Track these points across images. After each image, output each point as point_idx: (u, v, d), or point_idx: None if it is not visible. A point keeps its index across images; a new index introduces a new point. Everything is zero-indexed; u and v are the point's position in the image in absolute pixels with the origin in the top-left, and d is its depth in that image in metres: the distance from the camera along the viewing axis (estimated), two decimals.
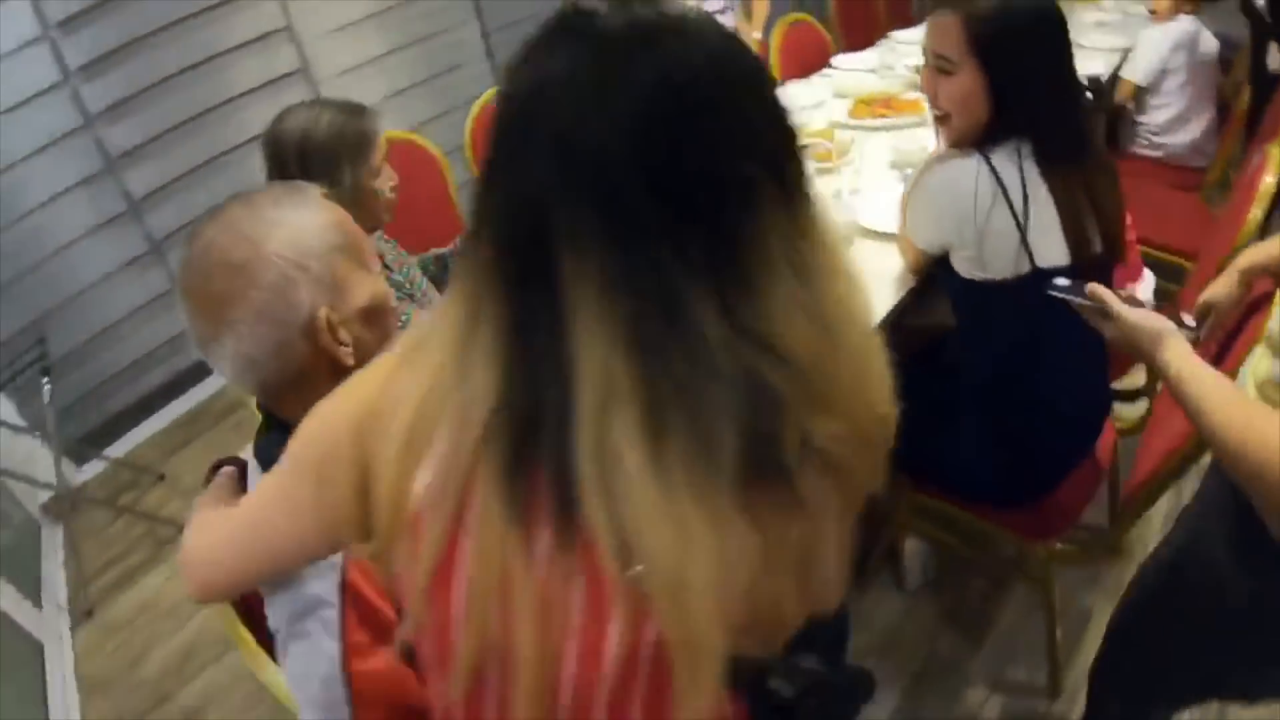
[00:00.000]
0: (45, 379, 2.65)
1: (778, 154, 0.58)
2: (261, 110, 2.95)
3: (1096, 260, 1.41)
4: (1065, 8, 3.21)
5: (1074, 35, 2.87)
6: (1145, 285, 1.98)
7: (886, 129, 2.42)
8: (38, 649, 2.44)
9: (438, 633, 0.67)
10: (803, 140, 0.62)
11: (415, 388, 0.62)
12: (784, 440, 0.57)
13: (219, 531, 0.91)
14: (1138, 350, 1.09)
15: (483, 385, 0.58)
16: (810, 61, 3.12)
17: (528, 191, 0.55)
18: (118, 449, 3.18)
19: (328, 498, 0.69)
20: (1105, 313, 1.13)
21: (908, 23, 3.48)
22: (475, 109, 2.78)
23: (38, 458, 2.82)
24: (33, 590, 2.61)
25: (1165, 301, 1.23)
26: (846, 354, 0.61)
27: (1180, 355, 1.01)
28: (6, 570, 2.48)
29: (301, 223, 0.94)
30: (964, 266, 1.43)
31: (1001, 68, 1.31)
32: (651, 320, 0.54)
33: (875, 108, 2.50)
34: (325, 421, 0.71)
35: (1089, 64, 2.74)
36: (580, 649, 0.63)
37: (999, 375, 1.54)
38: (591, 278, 0.54)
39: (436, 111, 3.76)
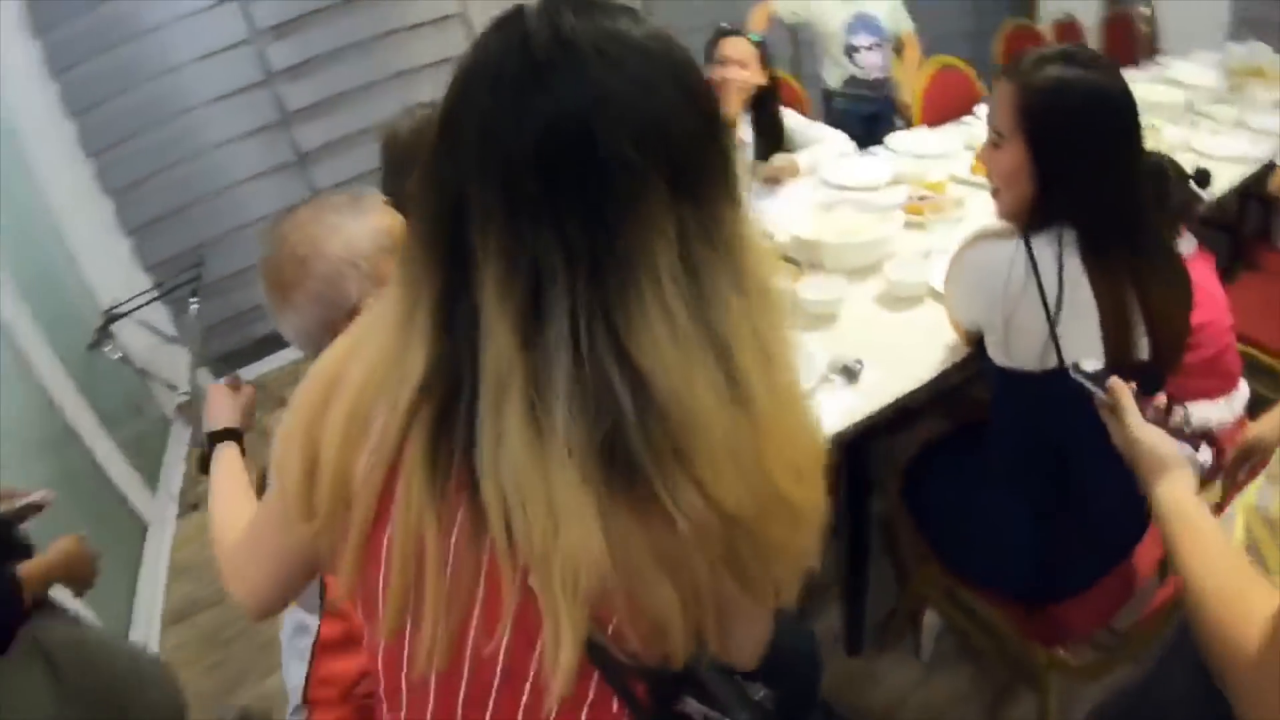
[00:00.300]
0: (194, 298, 3.00)
1: (678, 155, 0.57)
2: (427, 88, 3.22)
3: (1140, 368, 1.32)
4: (1238, 82, 2.97)
5: (1244, 113, 2.70)
6: (1236, 398, 1.84)
7: None
8: (143, 529, 2.79)
9: (367, 596, 0.71)
10: (735, 156, 0.62)
11: (358, 373, 0.66)
12: (635, 457, 0.57)
13: (234, 543, 0.92)
14: (1136, 470, 1.03)
15: (415, 368, 0.62)
16: (953, 108, 3.02)
17: (453, 175, 0.59)
18: (250, 371, 3.53)
19: (284, 484, 0.71)
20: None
21: None
22: None
23: (179, 365, 3.19)
24: (151, 478, 2.97)
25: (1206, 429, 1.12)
26: (728, 397, 0.58)
27: (1177, 498, 0.94)
28: (132, 457, 2.84)
29: (356, 228, 1.15)
30: (993, 350, 1.38)
31: (1046, 145, 1.26)
32: (530, 308, 0.57)
33: None
34: (290, 408, 0.74)
35: (1255, 147, 2.53)
36: (480, 621, 0.67)
37: (1027, 467, 1.48)
38: (492, 260, 0.57)
39: None
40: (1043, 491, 1.46)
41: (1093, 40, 3.98)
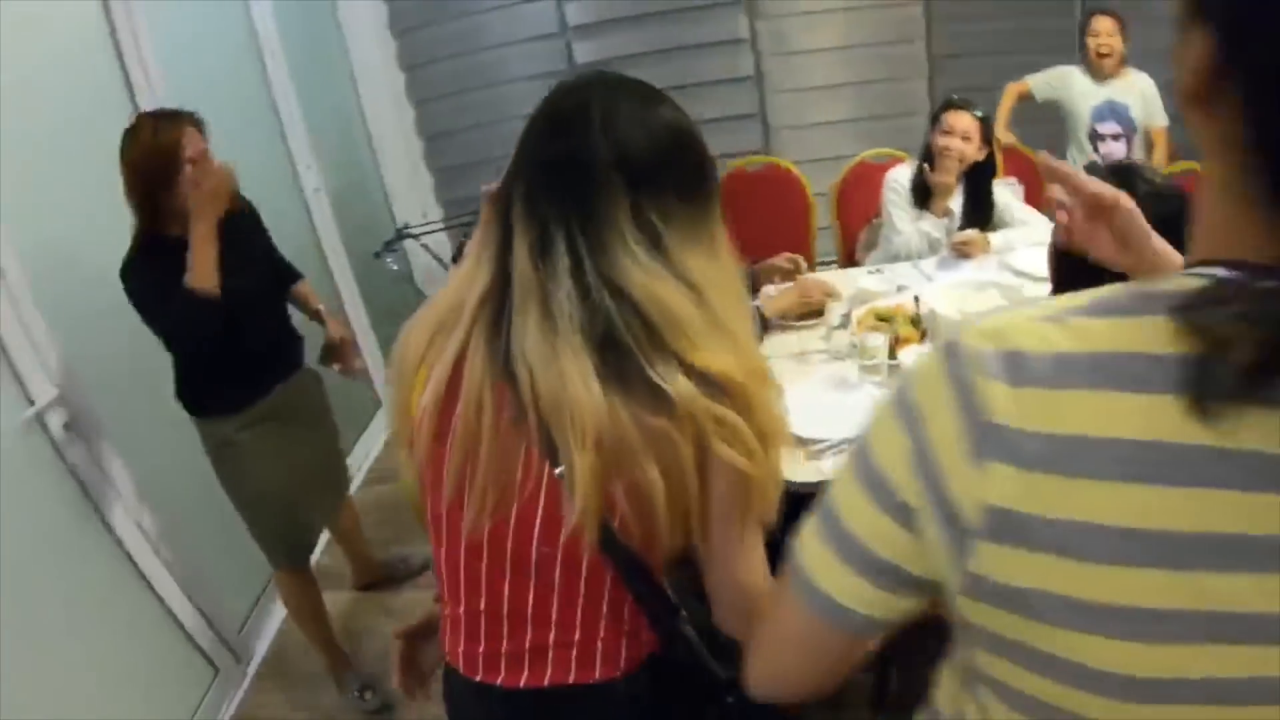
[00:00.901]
0: (466, 237, 3.65)
1: (635, 167, 0.85)
2: (710, 102, 3.64)
3: None
4: None
5: None
6: None
7: None
8: (377, 406, 3.50)
9: (435, 466, 0.96)
10: (703, 170, 0.91)
11: (446, 297, 0.96)
12: (623, 344, 0.83)
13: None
14: None
15: (479, 288, 0.91)
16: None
17: (509, 182, 0.91)
18: None
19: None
20: None
21: None
22: (844, 170, 3.15)
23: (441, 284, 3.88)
24: None
25: None
26: (696, 303, 0.84)
27: None
28: (388, 352, 3.51)
29: None
30: None
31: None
32: (538, 249, 0.86)
33: None
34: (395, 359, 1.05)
35: None
36: (522, 485, 0.91)
37: None
38: (519, 220, 0.87)
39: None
40: None
41: None
